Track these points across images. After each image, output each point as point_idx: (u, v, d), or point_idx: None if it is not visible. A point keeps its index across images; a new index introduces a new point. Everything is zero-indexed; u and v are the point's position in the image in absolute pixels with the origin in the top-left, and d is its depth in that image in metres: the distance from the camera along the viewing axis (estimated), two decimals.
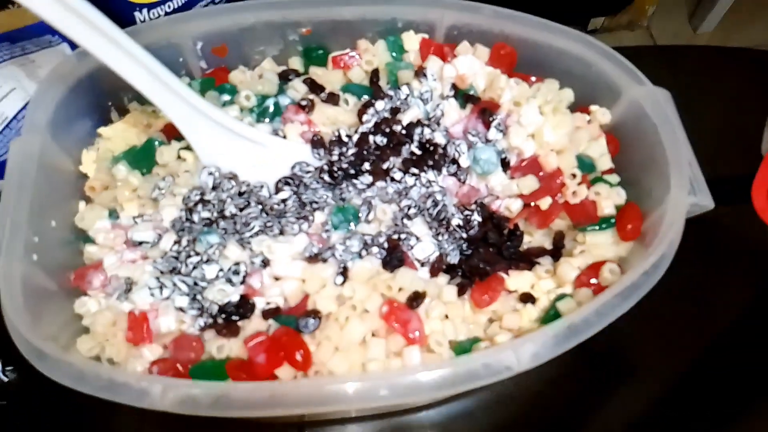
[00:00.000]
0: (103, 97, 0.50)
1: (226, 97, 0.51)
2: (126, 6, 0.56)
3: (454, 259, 0.45)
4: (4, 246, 0.39)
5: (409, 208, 0.45)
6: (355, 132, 0.49)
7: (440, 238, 0.45)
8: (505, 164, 0.47)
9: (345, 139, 0.49)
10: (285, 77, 0.53)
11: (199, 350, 0.40)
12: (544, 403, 0.52)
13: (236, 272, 0.42)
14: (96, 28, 0.40)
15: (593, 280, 0.42)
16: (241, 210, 0.45)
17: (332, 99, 0.51)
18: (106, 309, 0.42)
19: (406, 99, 0.50)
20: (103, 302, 0.43)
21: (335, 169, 0.47)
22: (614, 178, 0.47)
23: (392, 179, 0.47)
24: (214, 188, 0.46)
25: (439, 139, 0.48)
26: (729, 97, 0.68)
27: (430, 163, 0.47)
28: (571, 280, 0.43)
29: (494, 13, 0.50)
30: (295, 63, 0.55)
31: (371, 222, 0.45)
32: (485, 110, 0.48)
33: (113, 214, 0.47)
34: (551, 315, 0.41)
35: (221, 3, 0.63)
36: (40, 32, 0.55)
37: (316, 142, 0.49)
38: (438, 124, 0.49)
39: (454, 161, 0.47)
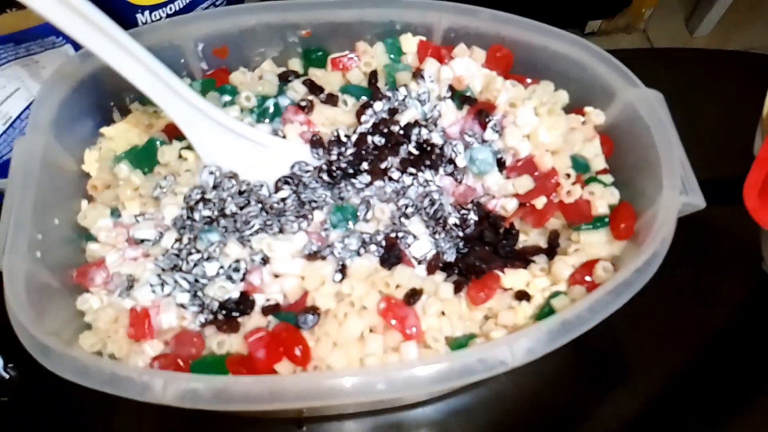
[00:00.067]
0: (106, 97, 0.50)
1: (227, 98, 0.51)
2: (128, 8, 0.57)
3: (450, 257, 0.46)
4: (9, 243, 0.39)
5: (406, 207, 0.46)
6: (354, 132, 0.49)
7: (437, 236, 0.46)
8: (500, 164, 0.48)
9: (344, 139, 0.49)
10: (285, 78, 0.53)
11: (200, 346, 0.40)
12: (540, 401, 0.52)
13: (236, 269, 0.42)
14: (100, 29, 0.40)
15: (587, 278, 0.43)
16: (241, 209, 0.45)
17: (331, 100, 0.51)
18: (108, 306, 0.42)
19: (404, 100, 0.50)
20: (105, 299, 0.43)
21: (334, 168, 0.48)
22: (608, 178, 0.48)
23: (390, 179, 0.47)
24: (214, 187, 0.46)
25: (437, 139, 0.48)
26: (725, 99, 0.69)
27: (428, 163, 0.47)
28: (565, 278, 0.43)
29: (491, 16, 0.51)
30: (295, 64, 0.55)
31: (369, 221, 0.46)
32: (482, 111, 0.48)
33: (115, 213, 0.47)
34: (546, 312, 0.42)
35: (222, 5, 0.64)
36: (44, 34, 0.56)
37: (315, 142, 0.49)
38: (435, 124, 0.49)
39: (451, 161, 0.48)
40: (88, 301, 0.43)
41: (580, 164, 0.47)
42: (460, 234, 0.46)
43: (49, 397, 0.51)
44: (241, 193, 0.47)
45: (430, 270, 0.45)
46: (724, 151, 0.61)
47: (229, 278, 0.42)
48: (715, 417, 0.52)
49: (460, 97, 0.51)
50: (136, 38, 0.42)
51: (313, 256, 0.44)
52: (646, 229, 0.42)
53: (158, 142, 0.48)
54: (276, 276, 0.43)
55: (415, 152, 0.48)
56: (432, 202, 0.46)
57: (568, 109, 0.50)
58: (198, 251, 0.43)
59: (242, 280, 0.43)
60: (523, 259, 0.46)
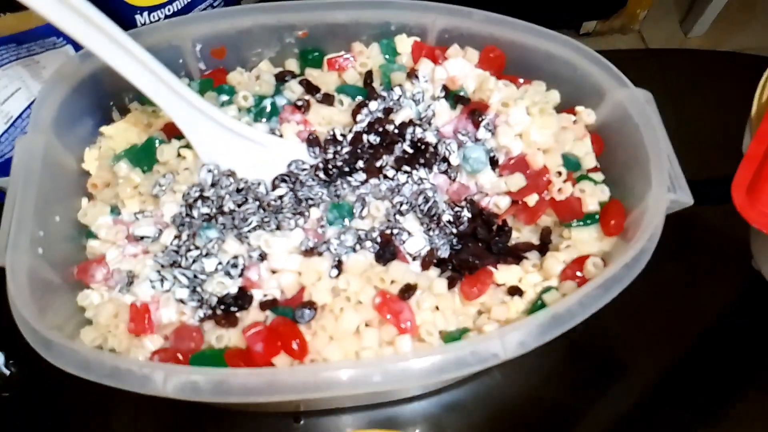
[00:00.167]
0: (105, 97, 0.51)
1: (225, 98, 0.52)
2: (127, 9, 0.57)
3: (444, 253, 0.46)
4: (11, 239, 0.40)
5: (401, 205, 0.46)
6: (350, 131, 0.50)
7: (431, 233, 0.46)
8: (493, 163, 0.48)
9: (340, 138, 0.49)
10: (282, 78, 0.54)
11: (199, 340, 0.41)
12: (533, 397, 0.53)
13: (235, 265, 0.43)
14: (101, 30, 0.41)
15: (578, 273, 0.43)
16: (239, 206, 0.46)
17: (327, 99, 0.52)
18: (108, 301, 0.43)
19: (398, 100, 0.51)
20: (106, 295, 0.44)
21: (330, 167, 0.48)
22: (598, 176, 0.48)
23: (385, 177, 0.48)
24: (213, 185, 0.47)
25: (431, 138, 0.49)
26: (717, 99, 0.69)
27: (422, 161, 0.48)
28: (556, 273, 0.44)
29: (484, 17, 0.51)
30: (292, 65, 0.55)
31: (365, 218, 0.46)
32: (475, 111, 0.49)
33: (115, 210, 0.47)
34: (538, 306, 0.42)
35: (219, 7, 0.64)
36: (45, 35, 0.56)
37: (312, 141, 0.49)
38: (429, 124, 0.50)
39: (445, 160, 0.48)
40: (88, 297, 0.43)
41: (571, 162, 0.47)
42: (454, 231, 0.47)
43: (49, 393, 0.51)
44: (239, 190, 0.47)
45: (425, 266, 0.45)
46: (715, 150, 0.62)
47: (228, 274, 0.43)
48: (706, 412, 0.53)
49: (453, 96, 0.51)
50: (136, 39, 0.42)
51: (309, 252, 0.44)
52: (636, 226, 0.42)
53: (157, 141, 0.49)
54: (273, 272, 0.44)
55: (410, 151, 0.49)
56: (426, 200, 0.46)
57: (559, 109, 0.51)
58: (197, 248, 0.44)
59: (240, 275, 0.43)
60: (515, 255, 0.46)
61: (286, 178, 0.48)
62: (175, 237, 0.45)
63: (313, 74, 0.54)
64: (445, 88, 0.52)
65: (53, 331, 0.37)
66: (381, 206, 0.46)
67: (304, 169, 0.48)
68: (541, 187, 0.47)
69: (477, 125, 0.48)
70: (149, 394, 0.34)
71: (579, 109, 0.50)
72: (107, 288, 0.44)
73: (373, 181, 0.47)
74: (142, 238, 0.45)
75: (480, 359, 0.36)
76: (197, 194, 0.46)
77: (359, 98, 0.52)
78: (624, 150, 0.47)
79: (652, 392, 0.53)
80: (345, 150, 0.49)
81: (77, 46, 0.56)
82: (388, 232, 0.45)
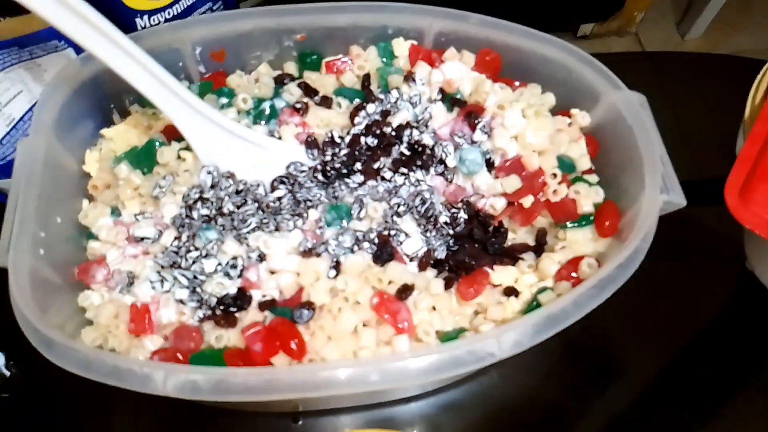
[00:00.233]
0: (106, 99, 0.51)
1: (224, 100, 0.52)
2: (127, 12, 0.57)
3: (441, 254, 0.46)
4: (13, 240, 0.40)
5: (398, 206, 0.46)
6: (348, 133, 0.50)
7: (428, 234, 0.47)
8: (489, 164, 0.48)
9: (338, 140, 0.50)
10: (280, 81, 0.54)
11: (199, 340, 0.41)
12: (530, 397, 0.53)
13: (234, 266, 0.43)
14: (102, 33, 0.41)
15: (573, 274, 0.43)
16: (238, 207, 0.46)
17: (325, 102, 0.52)
18: (108, 302, 0.43)
19: (395, 102, 0.51)
20: (106, 295, 0.44)
21: (328, 168, 0.48)
22: (593, 178, 0.49)
23: (383, 178, 0.48)
24: (212, 187, 0.47)
25: (427, 140, 0.49)
26: (711, 101, 0.70)
27: (419, 163, 0.48)
28: (552, 274, 0.44)
29: (480, 21, 0.52)
30: (290, 68, 0.56)
31: (363, 219, 0.46)
32: (471, 113, 0.49)
33: (115, 212, 0.48)
34: (533, 307, 0.42)
35: (219, 10, 0.65)
36: (47, 38, 0.56)
37: (310, 143, 0.50)
38: (426, 126, 0.50)
39: (442, 161, 0.48)
40: (89, 298, 0.43)
41: (566, 164, 0.48)
42: (451, 232, 0.47)
43: (49, 394, 0.51)
44: (238, 192, 0.47)
45: (422, 266, 0.45)
46: (710, 152, 0.62)
47: (227, 275, 0.43)
48: (701, 412, 0.53)
49: (450, 99, 0.51)
50: (136, 42, 0.43)
51: (308, 253, 0.44)
52: (630, 227, 0.43)
53: (157, 143, 0.49)
54: (272, 272, 0.44)
55: (407, 153, 0.49)
56: (423, 201, 0.47)
57: (554, 111, 0.51)
58: (196, 249, 0.44)
59: (239, 276, 0.43)
60: (511, 256, 0.47)
61: (285, 179, 0.48)
62: (175, 238, 0.45)
63: (311, 77, 0.54)
64: (441, 90, 0.52)
65: (54, 331, 0.37)
66: (379, 207, 0.46)
67: (302, 171, 0.49)
68: (537, 188, 0.47)
69: (473, 127, 0.49)
70: (149, 393, 0.35)
71: (574, 111, 0.50)
72: (108, 289, 0.44)
73: (371, 182, 0.48)
74: (142, 239, 0.45)
75: (476, 358, 0.36)
76: (197, 196, 0.46)
77: (357, 101, 0.52)
78: (618, 152, 0.47)
79: (649, 392, 0.53)
80: (343, 152, 0.49)
81: (78, 49, 0.56)
82: (386, 233, 0.45)
